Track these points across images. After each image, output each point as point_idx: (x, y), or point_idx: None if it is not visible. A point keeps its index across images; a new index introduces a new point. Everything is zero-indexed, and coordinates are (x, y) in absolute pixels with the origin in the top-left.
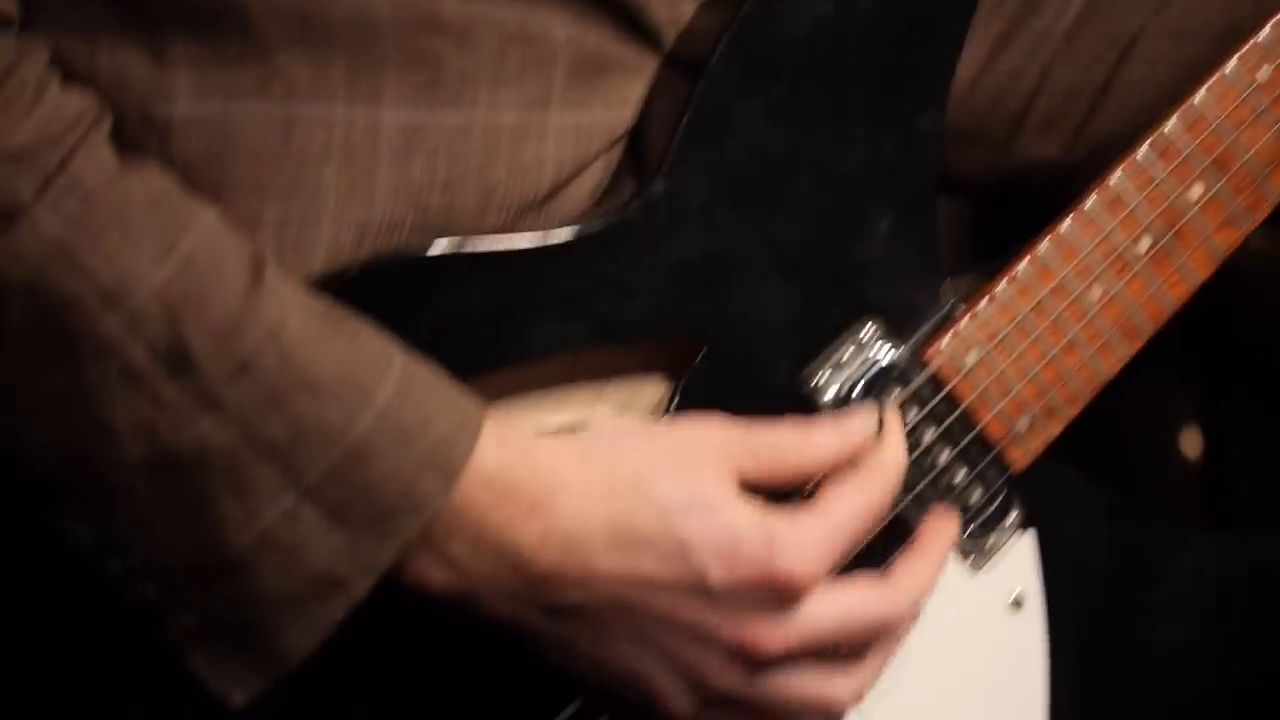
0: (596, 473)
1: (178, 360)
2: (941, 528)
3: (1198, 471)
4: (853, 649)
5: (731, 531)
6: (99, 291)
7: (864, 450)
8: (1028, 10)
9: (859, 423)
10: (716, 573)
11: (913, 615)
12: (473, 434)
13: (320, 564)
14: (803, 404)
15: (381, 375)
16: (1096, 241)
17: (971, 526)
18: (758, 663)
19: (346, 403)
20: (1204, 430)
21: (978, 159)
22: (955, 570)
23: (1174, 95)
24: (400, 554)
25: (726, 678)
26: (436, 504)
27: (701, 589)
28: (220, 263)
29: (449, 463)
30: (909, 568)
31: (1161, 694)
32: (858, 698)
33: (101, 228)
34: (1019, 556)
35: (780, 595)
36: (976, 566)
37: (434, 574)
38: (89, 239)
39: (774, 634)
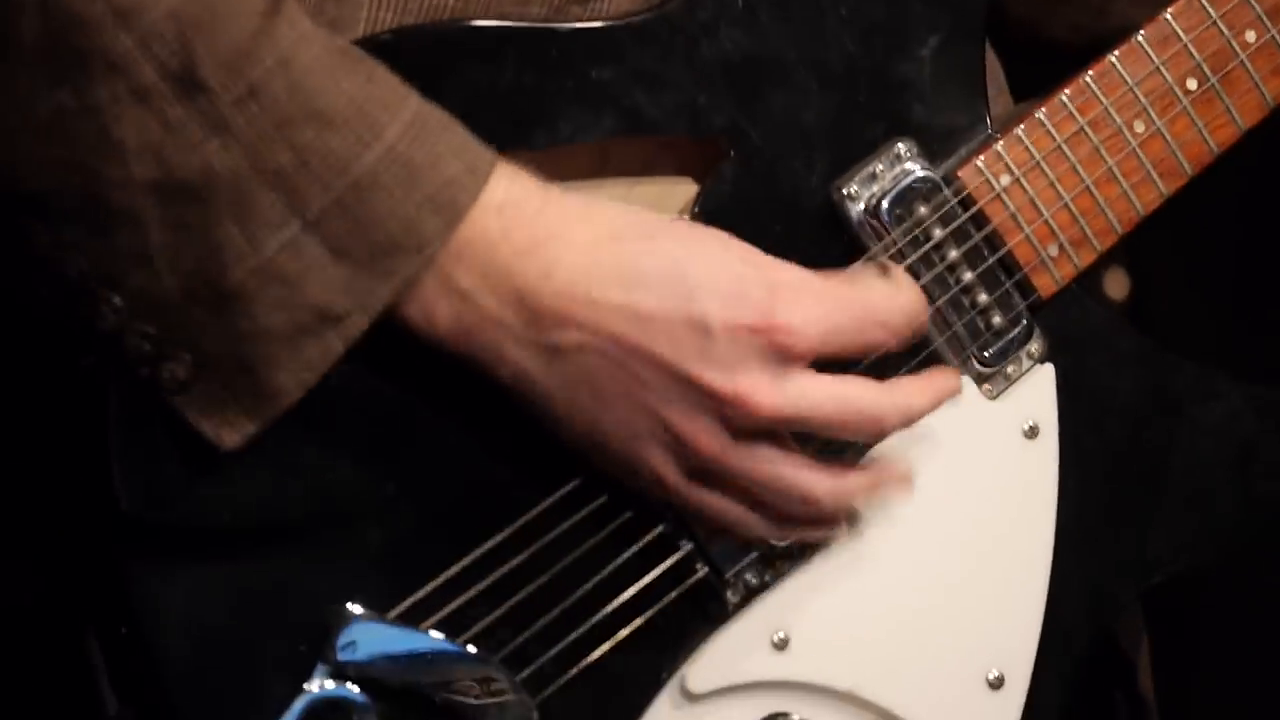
0: (606, 218)
1: (187, 81)
2: (948, 375)
3: (1124, 313)
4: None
5: (737, 277)
6: (113, 8)
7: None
8: None
9: (862, 275)
10: (717, 314)
11: (901, 425)
12: (481, 178)
13: (319, 297)
14: (830, 214)
15: (394, 114)
16: (1143, 76)
17: (990, 351)
18: (745, 424)
19: (354, 136)
20: (1129, 271)
21: (1071, 21)
22: (971, 395)
23: None
24: (398, 294)
25: (713, 442)
26: (437, 246)
27: (701, 330)
28: None
29: (454, 204)
30: (909, 385)
31: (1174, 536)
32: (836, 499)
33: None
34: (1037, 387)
35: (776, 348)
36: (992, 393)
37: (440, 307)
38: None
39: (765, 391)
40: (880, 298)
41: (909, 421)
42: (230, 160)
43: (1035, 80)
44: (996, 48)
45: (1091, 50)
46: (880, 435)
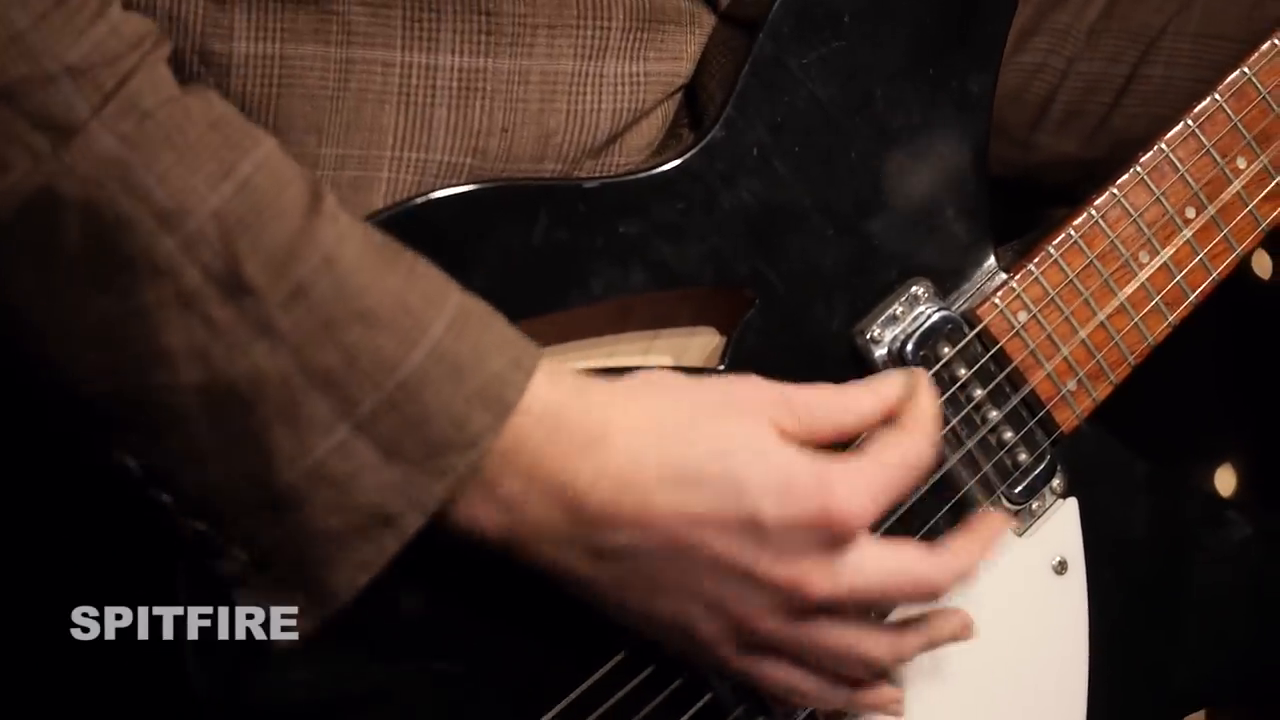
0: (648, 414)
1: (233, 284)
2: (994, 520)
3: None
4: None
5: (785, 470)
6: (155, 212)
7: (900, 408)
8: (1051, 5)
9: (892, 382)
10: (770, 510)
11: (954, 587)
12: (527, 372)
13: (371, 499)
14: (855, 358)
15: (437, 309)
16: (1145, 206)
17: (1018, 489)
18: (803, 607)
19: (401, 334)
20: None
21: (998, 155)
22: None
23: (1194, 95)
24: (452, 491)
25: (770, 622)
26: (489, 441)
27: (755, 527)
28: (279, 188)
29: (502, 399)
30: (959, 544)
31: (1196, 670)
32: (896, 659)
33: (158, 148)
34: (1061, 521)
35: (832, 536)
36: (1020, 530)
37: (485, 515)
38: (146, 158)
39: (823, 576)
40: (910, 446)
41: (962, 582)
42: (278, 363)
43: None
44: None
45: (1018, 185)
46: (936, 600)
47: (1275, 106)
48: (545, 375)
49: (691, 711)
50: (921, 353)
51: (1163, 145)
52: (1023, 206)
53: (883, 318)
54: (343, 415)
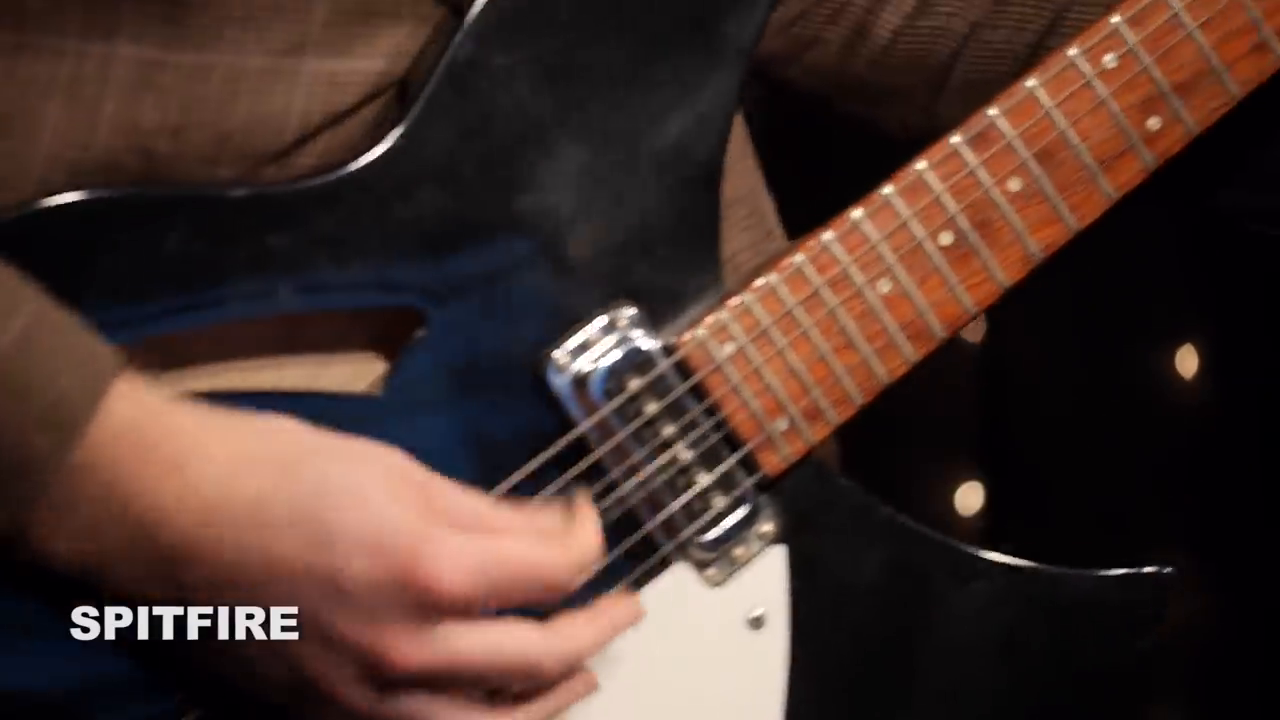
0: (246, 444)
1: None
2: (622, 606)
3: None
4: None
5: (384, 525)
6: None
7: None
8: None
9: (550, 510)
10: (356, 568)
11: (563, 672)
12: (97, 393)
13: None
14: (535, 383)
15: (4, 321)
16: (890, 231)
17: (712, 535)
18: (388, 679)
19: None
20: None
21: (901, 118)
22: (692, 582)
23: None
24: (16, 520)
25: (356, 693)
26: (53, 467)
27: (335, 584)
28: None
29: (68, 422)
30: (572, 624)
31: None
32: None
33: None
34: (766, 571)
35: (418, 601)
36: (718, 580)
37: (58, 543)
38: None
39: (408, 648)
40: (544, 554)
41: (573, 664)
42: None
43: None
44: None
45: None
46: (541, 682)
47: (1058, 124)
48: (124, 395)
49: None
50: (606, 385)
51: (916, 164)
52: None
53: (573, 345)
54: None
